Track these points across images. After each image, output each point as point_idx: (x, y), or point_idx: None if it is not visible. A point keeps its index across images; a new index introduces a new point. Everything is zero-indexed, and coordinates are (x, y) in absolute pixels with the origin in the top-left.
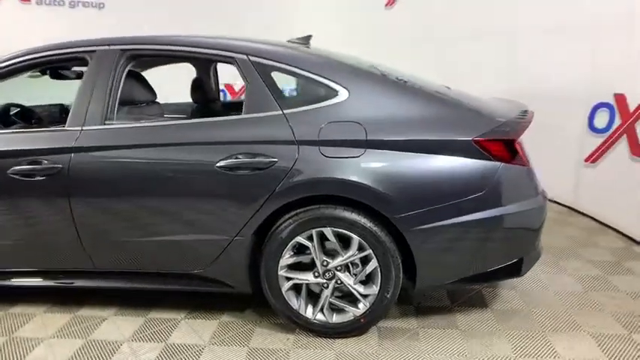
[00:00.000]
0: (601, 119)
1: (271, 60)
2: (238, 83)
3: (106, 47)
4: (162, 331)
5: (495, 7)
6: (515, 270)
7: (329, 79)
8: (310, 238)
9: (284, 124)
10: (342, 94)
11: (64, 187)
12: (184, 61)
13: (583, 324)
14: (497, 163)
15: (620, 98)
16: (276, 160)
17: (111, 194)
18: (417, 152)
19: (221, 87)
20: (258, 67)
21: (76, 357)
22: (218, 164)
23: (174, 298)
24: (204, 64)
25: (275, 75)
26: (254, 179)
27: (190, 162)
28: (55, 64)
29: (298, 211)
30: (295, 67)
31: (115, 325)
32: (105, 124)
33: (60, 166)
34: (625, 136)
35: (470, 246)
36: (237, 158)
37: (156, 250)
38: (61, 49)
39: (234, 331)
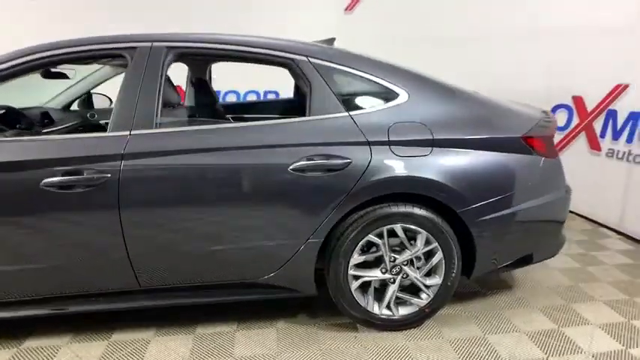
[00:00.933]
0: (560, 118)
1: (332, 62)
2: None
3: (149, 44)
4: (222, 346)
5: (460, 14)
6: (550, 254)
7: (389, 82)
8: (380, 236)
9: (352, 125)
10: (403, 96)
11: (113, 198)
12: (233, 61)
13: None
14: (539, 157)
15: (578, 100)
16: (350, 160)
17: (171, 204)
18: (475, 149)
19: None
20: (320, 69)
21: None
22: (292, 167)
23: (194, 312)
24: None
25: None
26: (329, 180)
27: (262, 166)
28: (85, 61)
29: (368, 209)
30: (356, 69)
31: (164, 346)
32: (157, 127)
33: (108, 175)
34: (584, 132)
35: (518, 233)
36: (311, 160)
37: (219, 260)
38: (95, 44)
39: (296, 336)
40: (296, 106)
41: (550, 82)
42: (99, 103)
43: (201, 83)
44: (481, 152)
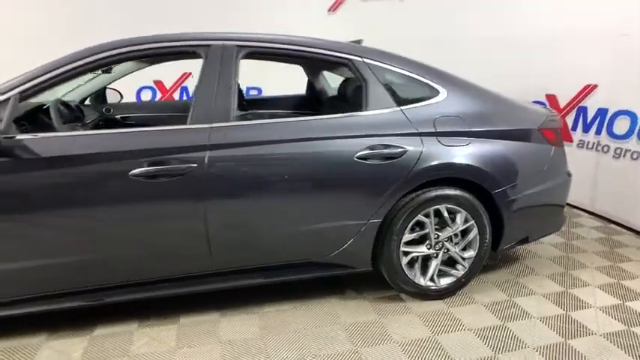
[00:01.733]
0: None
1: (383, 62)
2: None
3: (222, 42)
4: (286, 320)
5: (444, 18)
6: (556, 229)
7: (430, 80)
8: (427, 216)
9: (404, 118)
10: (443, 93)
11: (198, 186)
12: (295, 61)
13: (537, 269)
14: (551, 146)
15: (551, 98)
16: (406, 149)
17: (250, 191)
18: (502, 139)
19: (149, 83)
20: (374, 68)
21: None
22: (357, 155)
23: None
24: (316, 64)
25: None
26: (388, 167)
27: (331, 154)
28: (160, 57)
29: (418, 192)
30: (403, 68)
31: (230, 325)
32: (235, 120)
33: (194, 165)
34: None
35: (534, 211)
36: (373, 149)
37: (290, 242)
38: (171, 41)
39: (355, 308)
40: (310, 101)
41: (527, 83)
42: (110, 98)
43: None
44: (507, 142)
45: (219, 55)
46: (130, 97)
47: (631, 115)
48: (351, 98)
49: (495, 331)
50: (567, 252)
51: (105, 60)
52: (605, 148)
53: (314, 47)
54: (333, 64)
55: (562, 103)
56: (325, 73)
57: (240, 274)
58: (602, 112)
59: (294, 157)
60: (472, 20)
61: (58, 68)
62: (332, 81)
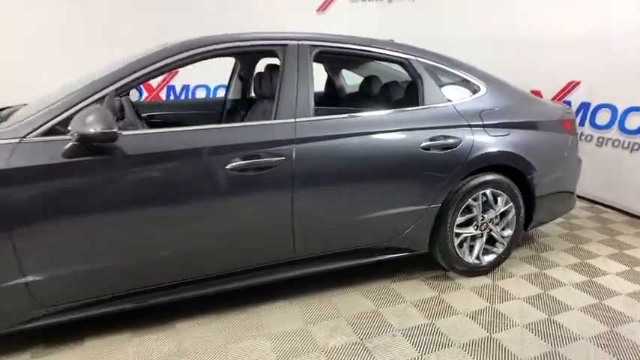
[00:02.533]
0: None
1: (434, 61)
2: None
3: (297, 42)
4: (362, 302)
5: (431, 19)
6: (571, 209)
7: (472, 77)
8: (475, 199)
9: (456, 112)
10: (483, 89)
11: (287, 177)
12: (359, 59)
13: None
14: (569, 136)
15: (536, 93)
16: (460, 140)
17: (330, 181)
18: (532, 129)
19: None
20: (428, 67)
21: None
22: (421, 145)
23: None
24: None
25: None
26: (447, 156)
27: (401, 145)
28: (241, 55)
29: (469, 179)
30: (450, 66)
31: (362, 297)
32: (315, 115)
33: (283, 157)
34: None
35: (557, 193)
36: (434, 140)
37: (364, 228)
38: (253, 40)
39: (414, 287)
40: (330, 96)
41: (514, 80)
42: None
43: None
44: (536, 132)
45: (296, 54)
46: None
47: (612, 107)
48: (406, 94)
49: (541, 298)
50: (570, 229)
51: (195, 57)
52: (589, 137)
53: (377, 47)
54: (394, 63)
55: (547, 98)
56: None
57: (315, 260)
58: (585, 106)
59: (367, 149)
60: (460, 20)
61: (150, 65)
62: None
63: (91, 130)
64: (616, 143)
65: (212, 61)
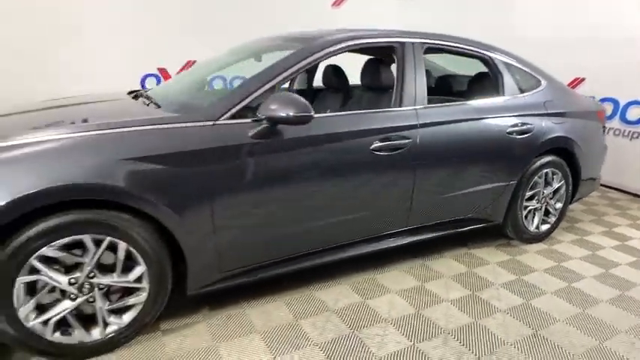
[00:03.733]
0: None
1: (508, 58)
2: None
3: (412, 40)
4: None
5: (447, 15)
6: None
7: (534, 72)
8: (539, 177)
9: (527, 102)
10: (543, 83)
11: (411, 157)
12: (454, 54)
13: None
14: (600, 124)
15: None
16: (534, 126)
17: (442, 161)
18: (579, 118)
19: (154, 71)
20: (504, 64)
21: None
22: (507, 130)
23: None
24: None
25: None
26: (524, 140)
27: (494, 130)
28: (367, 51)
29: (535, 160)
30: (519, 63)
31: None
32: (428, 104)
33: (410, 140)
34: None
35: (592, 173)
36: (516, 127)
37: (463, 201)
38: (377, 38)
39: (485, 255)
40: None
41: None
42: None
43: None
44: (581, 120)
45: (412, 50)
46: (135, 84)
47: (614, 101)
48: (488, 86)
49: (593, 258)
50: (588, 206)
51: (333, 53)
52: None
53: (467, 45)
54: (477, 59)
55: None
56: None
57: (419, 231)
58: None
59: (471, 133)
60: (476, 17)
61: (300, 62)
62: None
63: (290, 114)
64: (617, 132)
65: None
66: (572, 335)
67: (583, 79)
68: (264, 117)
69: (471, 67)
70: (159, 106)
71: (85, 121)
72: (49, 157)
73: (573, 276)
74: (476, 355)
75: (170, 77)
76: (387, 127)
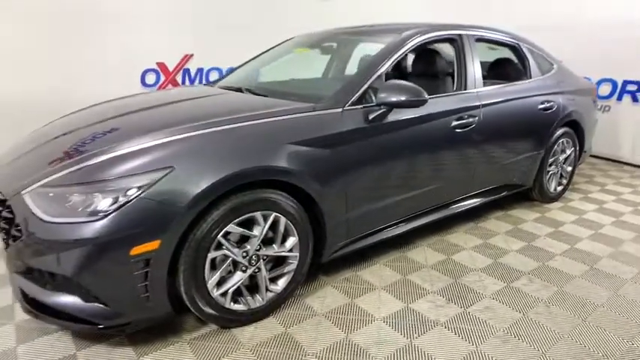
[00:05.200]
0: None
1: (532, 46)
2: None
3: (466, 32)
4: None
5: (438, 7)
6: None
7: (548, 57)
8: (558, 146)
9: (547, 83)
10: (555, 66)
11: (476, 133)
12: (493, 44)
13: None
14: (594, 100)
15: None
16: (554, 103)
17: (496, 135)
18: (582, 96)
19: (152, 66)
20: (529, 50)
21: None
22: (538, 107)
23: None
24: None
25: None
26: (549, 115)
27: (532, 106)
28: (438, 42)
29: (553, 132)
30: (537, 49)
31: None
32: (483, 87)
33: (476, 118)
34: None
35: (590, 141)
36: (544, 104)
37: (507, 169)
38: (446, 30)
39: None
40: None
41: None
42: None
43: None
44: (583, 97)
45: (468, 41)
46: (135, 80)
47: (588, 79)
48: (515, 70)
49: (602, 210)
50: (577, 169)
51: (419, 44)
52: None
53: (502, 34)
54: (508, 47)
55: None
56: None
57: (475, 196)
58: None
59: (517, 110)
60: (475, 13)
61: (397, 50)
62: None
63: (408, 99)
64: (607, 108)
65: (224, 47)
66: (618, 268)
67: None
68: (383, 102)
69: (484, 55)
70: (266, 96)
71: (228, 113)
72: (232, 146)
73: (595, 225)
74: (557, 286)
75: (169, 72)
76: (461, 107)
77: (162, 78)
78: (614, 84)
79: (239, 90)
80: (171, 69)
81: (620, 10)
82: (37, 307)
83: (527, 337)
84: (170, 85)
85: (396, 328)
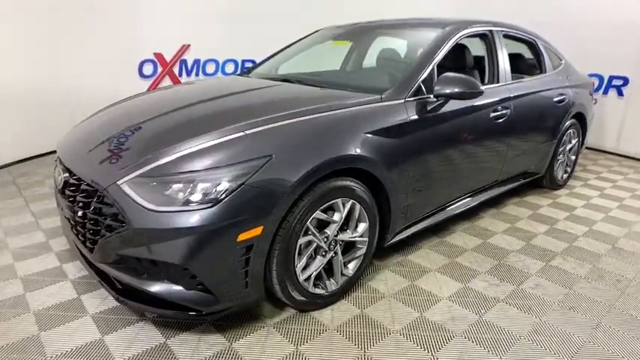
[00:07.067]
0: None
1: (545, 43)
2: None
3: (495, 29)
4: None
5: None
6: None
7: (557, 53)
8: (566, 136)
9: (558, 77)
10: (563, 62)
11: (509, 123)
12: (514, 41)
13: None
14: (592, 93)
15: None
16: (566, 95)
17: (521, 124)
18: (584, 89)
19: (149, 56)
20: (544, 46)
21: None
22: (554, 99)
23: None
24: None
25: None
26: (562, 106)
27: (551, 98)
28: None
29: (563, 122)
30: (549, 46)
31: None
32: (512, 79)
33: (508, 110)
34: None
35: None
36: (558, 96)
37: (527, 156)
38: (479, 25)
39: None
40: None
41: None
42: None
43: None
44: (585, 90)
45: (496, 37)
46: (132, 70)
47: (599, 77)
48: (528, 64)
49: (605, 195)
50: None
51: (461, 38)
52: None
53: (522, 32)
54: (525, 43)
55: None
56: None
57: (501, 183)
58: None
59: (541, 102)
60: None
61: (445, 44)
62: None
63: (466, 90)
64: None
65: (219, 39)
66: (636, 246)
67: None
68: (441, 94)
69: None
70: (323, 87)
71: (305, 104)
72: (321, 135)
73: (604, 209)
74: (590, 264)
75: (167, 63)
76: (497, 99)
77: (160, 69)
78: (601, 79)
79: (286, 81)
80: (168, 59)
81: (608, 11)
82: (128, 296)
83: (579, 309)
84: (168, 77)
85: (463, 305)
